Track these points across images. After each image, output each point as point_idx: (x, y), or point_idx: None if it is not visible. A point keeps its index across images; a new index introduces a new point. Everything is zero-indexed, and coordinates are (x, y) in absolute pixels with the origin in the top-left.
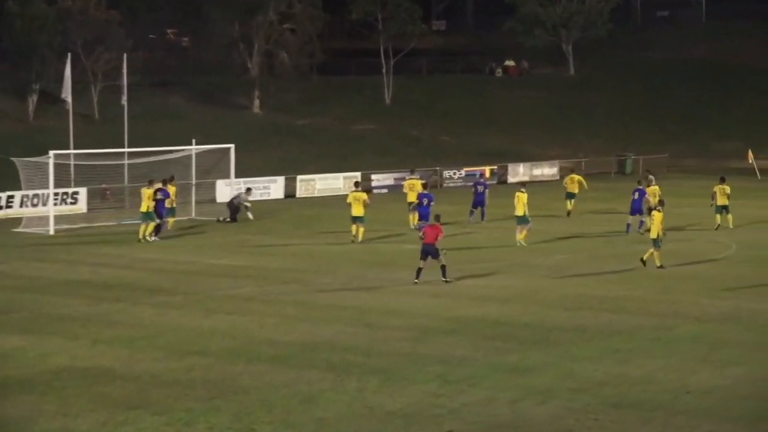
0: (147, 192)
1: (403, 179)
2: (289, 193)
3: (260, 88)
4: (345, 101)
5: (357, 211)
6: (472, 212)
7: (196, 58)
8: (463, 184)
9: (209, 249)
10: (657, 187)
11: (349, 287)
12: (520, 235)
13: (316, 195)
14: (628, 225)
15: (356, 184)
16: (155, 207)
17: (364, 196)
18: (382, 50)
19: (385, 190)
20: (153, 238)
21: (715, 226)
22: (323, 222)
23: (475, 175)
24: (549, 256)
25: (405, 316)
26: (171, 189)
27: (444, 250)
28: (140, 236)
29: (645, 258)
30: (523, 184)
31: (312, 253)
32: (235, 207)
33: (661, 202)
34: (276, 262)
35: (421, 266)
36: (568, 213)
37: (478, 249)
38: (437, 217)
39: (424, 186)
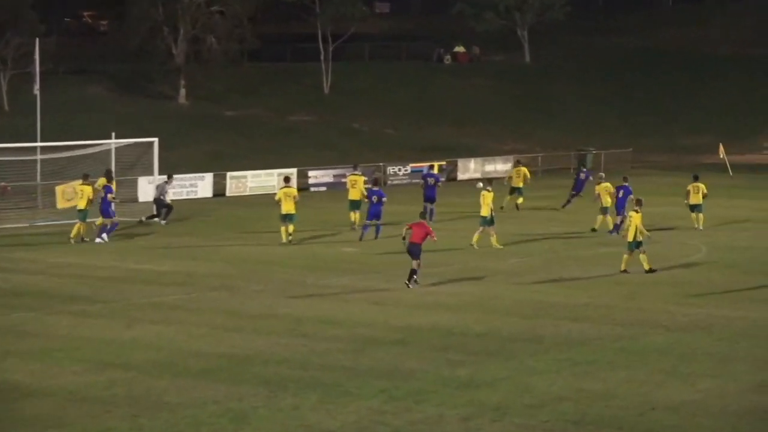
0: (86, 189)
1: (344, 176)
2: (219, 192)
3: (186, 76)
4: (279, 90)
5: (287, 208)
6: (425, 208)
7: (115, 44)
8: (409, 181)
9: (131, 253)
10: (609, 184)
11: (283, 294)
12: (492, 238)
13: (247, 193)
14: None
15: (286, 179)
16: (101, 206)
17: (295, 192)
18: (320, 35)
19: (323, 188)
20: (102, 238)
21: (694, 226)
22: (255, 223)
23: (421, 171)
24: (504, 259)
25: (345, 325)
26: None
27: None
28: (73, 237)
29: (647, 267)
30: (489, 182)
31: (243, 257)
32: (161, 202)
33: (638, 202)
34: (204, 267)
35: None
36: (517, 206)
37: (428, 252)
38: (423, 215)
39: (375, 182)
